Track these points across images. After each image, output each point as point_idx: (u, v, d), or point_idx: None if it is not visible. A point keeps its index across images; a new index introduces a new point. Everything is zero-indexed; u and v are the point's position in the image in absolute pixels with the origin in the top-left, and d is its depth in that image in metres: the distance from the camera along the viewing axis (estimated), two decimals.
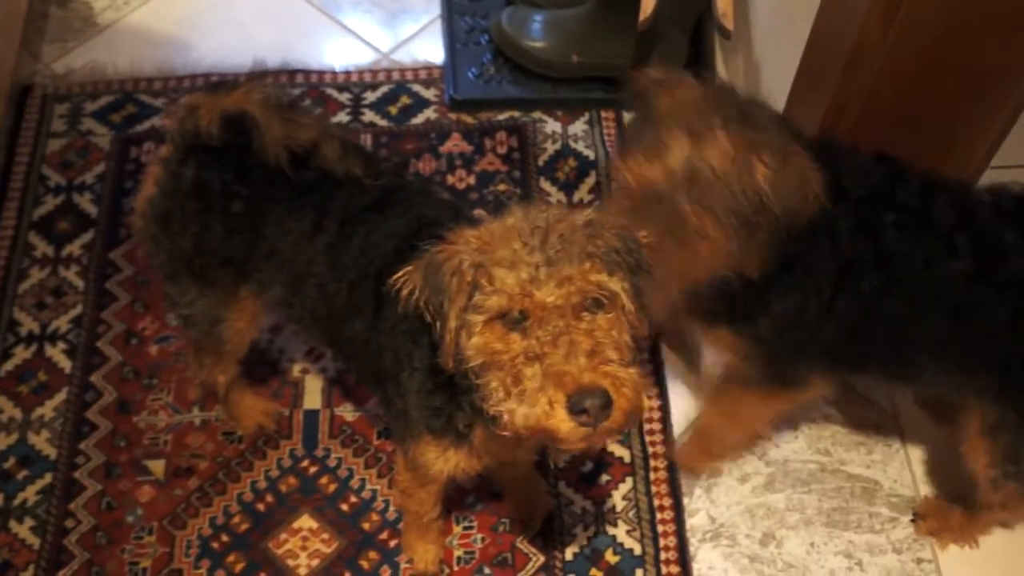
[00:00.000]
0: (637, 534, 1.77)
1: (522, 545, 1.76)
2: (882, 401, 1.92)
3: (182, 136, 1.39)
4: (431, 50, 2.40)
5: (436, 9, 2.47)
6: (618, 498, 1.80)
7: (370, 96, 2.31)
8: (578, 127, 2.27)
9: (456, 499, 1.77)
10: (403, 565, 1.73)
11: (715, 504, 1.82)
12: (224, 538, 1.75)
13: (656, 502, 1.80)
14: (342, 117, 2.26)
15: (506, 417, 1.09)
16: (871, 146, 1.42)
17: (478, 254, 1.11)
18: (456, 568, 1.73)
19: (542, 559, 1.74)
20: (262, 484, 1.80)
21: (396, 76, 2.35)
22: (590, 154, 2.23)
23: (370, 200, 1.39)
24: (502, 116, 2.28)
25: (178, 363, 1.91)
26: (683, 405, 1.91)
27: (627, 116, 2.27)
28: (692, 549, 1.77)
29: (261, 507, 1.78)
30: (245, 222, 1.40)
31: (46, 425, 1.85)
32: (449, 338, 1.13)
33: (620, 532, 1.77)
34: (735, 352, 1.57)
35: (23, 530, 1.75)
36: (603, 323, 1.10)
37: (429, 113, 2.29)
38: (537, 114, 2.29)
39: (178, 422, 1.86)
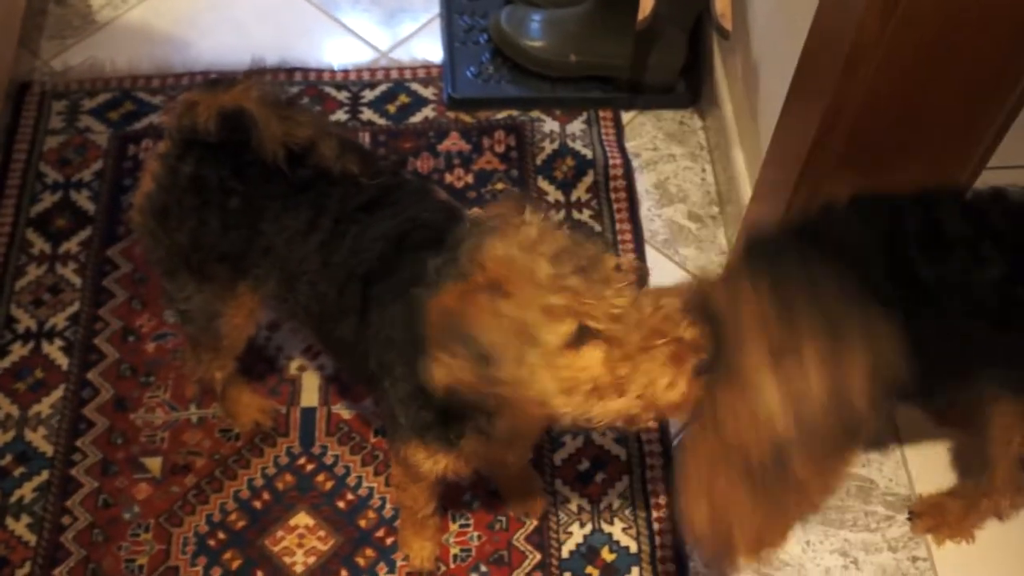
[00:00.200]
0: (633, 532, 1.77)
1: (518, 543, 1.76)
2: None
3: (180, 132, 1.39)
4: (430, 49, 2.40)
5: (435, 8, 2.47)
6: (614, 496, 1.81)
7: (368, 94, 2.31)
8: (576, 126, 2.27)
9: (453, 497, 1.77)
10: (399, 562, 1.73)
11: None
12: (221, 535, 1.75)
13: (652, 500, 1.80)
14: (340, 115, 2.26)
15: (618, 421, 1.06)
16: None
17: (509, 303, 1.03)
18: (452, 565, 1.73)
19: (538, 557, 1.74)
20: (259, 481, 1.80)
21: (395, 75, 2.35)
22: (588, 153, 2.23)
23: (365, 199, 1.38)
24: (500, 115, 2.28)
25: (175, 360, 1.91)
26: None
27: (625, 115, 2.28)
28: (688, 547, 1.76)
29: (258, 504, 1.78)
30: (242, 218, 1.40)
31: (43, 422, 1.85)
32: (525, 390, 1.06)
33: (616, 530, 1.77)
34: None
35: (19, 527, 1.75)
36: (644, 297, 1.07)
37: (427, 112, 2.29)
38: (535, 113, 2.29)
39: (175, 419, 1.86)
